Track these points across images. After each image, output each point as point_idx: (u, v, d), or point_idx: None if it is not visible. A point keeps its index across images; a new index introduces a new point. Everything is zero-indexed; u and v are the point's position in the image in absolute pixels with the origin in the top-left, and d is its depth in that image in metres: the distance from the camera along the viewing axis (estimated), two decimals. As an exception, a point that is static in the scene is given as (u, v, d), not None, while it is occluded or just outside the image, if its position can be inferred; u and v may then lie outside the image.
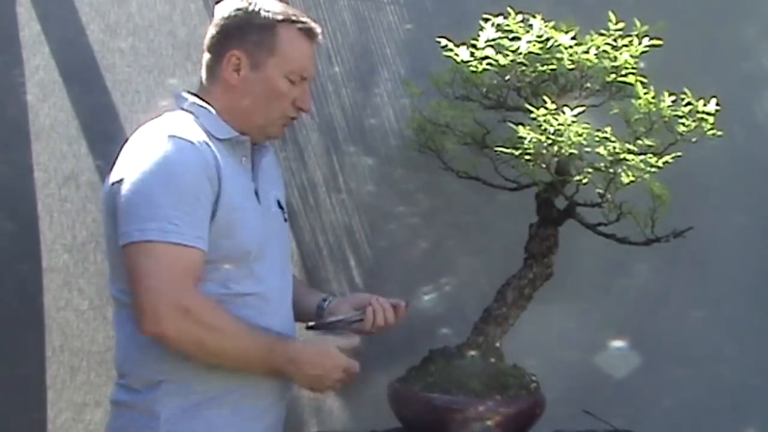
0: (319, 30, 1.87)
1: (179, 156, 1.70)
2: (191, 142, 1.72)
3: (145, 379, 1.77)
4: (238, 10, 1.82)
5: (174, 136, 1.72)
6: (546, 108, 1.98)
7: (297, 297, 1.97)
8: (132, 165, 1.72)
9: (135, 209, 1.69)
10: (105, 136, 2.32)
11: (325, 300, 2.03)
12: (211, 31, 1.86)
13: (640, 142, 2.04)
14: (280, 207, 1.95)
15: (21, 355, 2.34)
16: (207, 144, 1.75)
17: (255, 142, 1.88)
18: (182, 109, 1.84)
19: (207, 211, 1.72)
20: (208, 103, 1.83)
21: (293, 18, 1.83)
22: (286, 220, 1.96)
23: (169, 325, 1.66)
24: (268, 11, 1.82)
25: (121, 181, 1.72)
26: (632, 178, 1.98)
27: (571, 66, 2.06)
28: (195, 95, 1.86)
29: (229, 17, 1.83)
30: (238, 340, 1.74)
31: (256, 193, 1.86)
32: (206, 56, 1.87)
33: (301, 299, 1.99)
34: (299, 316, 1.97)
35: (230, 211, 1.74)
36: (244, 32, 1.81)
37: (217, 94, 1.84)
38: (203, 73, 1.87)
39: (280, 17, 1.82)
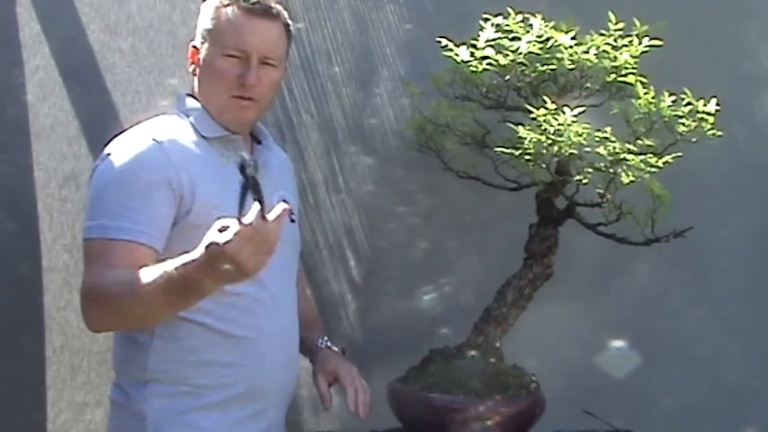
0: (266, 5, 1.83)
1: (140, 155, 1.73)
2: (158, 142, 1.74)
3: (133, 378, 1.77)
4: (204, 7, 1.87)
5: (141, 136, 1.76)
6: (546, 108, 1.98)
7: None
8: (100, 163, 1.77)
9: (89, 206, 1.75)
10: (105, 136, 2.28)
11: (320, 341, 2.02)
12: None
13: (640, 142, 2.04)
14: None
15: (21, 355, 2.34)
16: (185, 145, 1.76)
17: (235, 132, 1.87)
18: (177, 109, 1.87)
19: (162, 209, 1.72)
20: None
21: None
22: (293, 221, 1.95)
23: (86, 317, 1.68)
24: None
25: (90, 176, 1.78)
26: (632, 178, 1.98)
27: (571, 66, 2.06)
28: (192, 96, 1.88)
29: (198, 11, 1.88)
30: (135, 290, 1.60)
31: None
32: None
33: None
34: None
35: (209, 209, 1.72)
36: (199, 25, 1.87)
37: (195, 90, 1.88)
38: None
39: (226, 1, 1.83)
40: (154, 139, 1.74)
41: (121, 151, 1.74)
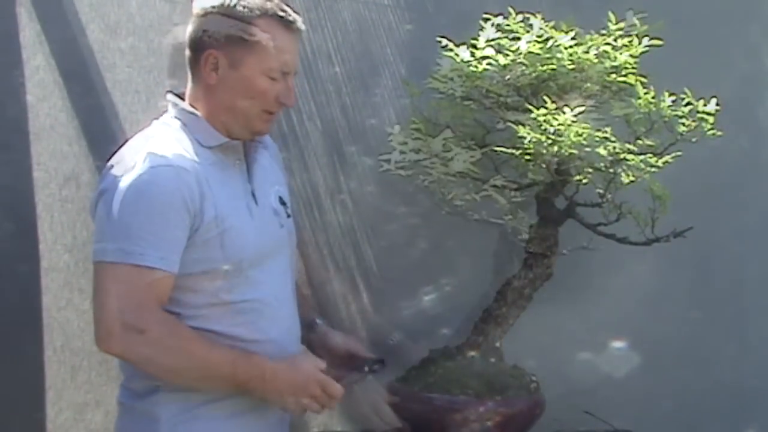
0: (300, 21, 1.79)
1: (153, 176, 1.67)
2: (169, 161, 1.69)
3: (144, 384, 1.76)
4: (214, 6, 1.77)
5: (153, 154, 1.69)
6: (546, 108, 1.98)
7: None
8: (110, 181, 1.71)
9: (102, 227, 1.70)
10: (105, 136, 2.31)
11: (317, 321, 2.02)
12: (189, 27, 1.81)
13: (640, 142, 2.05)
14: (283, 203, 1.90)
15: (21, 355, 2.34)
16: (190, 159, 1.72)
17: (241, 139, 1.83)
18: (169, 115, 1.82)
19: (178, 232, 1.69)
20: (196, 108, 1.80)
21: (271, 11, 1.76)
22: (289, 215, 1.91)
23: (119, 345, 1.64)
24: (244, 6, 1.75)
25: (100, 195, 1.72)
26: (632, 178, 1.99)
27: (571, 66, 2.06)
28: (183, 99, 1.82)
29: (205, 13, 1.78)
30: (197, 358, 1.69)
31: (254, 195, 1.83)
32: (187, 54, 1.82)
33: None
34: None
35: (220, 222, 1.71)
36: (221, 29, 1.76)
37: (200, 95, 1.80)
38: (188, 73, 1.84)
39: (257, 12, 1.75)
40: (165, 157, 1.69)
41: (132, 172, 1.68)
